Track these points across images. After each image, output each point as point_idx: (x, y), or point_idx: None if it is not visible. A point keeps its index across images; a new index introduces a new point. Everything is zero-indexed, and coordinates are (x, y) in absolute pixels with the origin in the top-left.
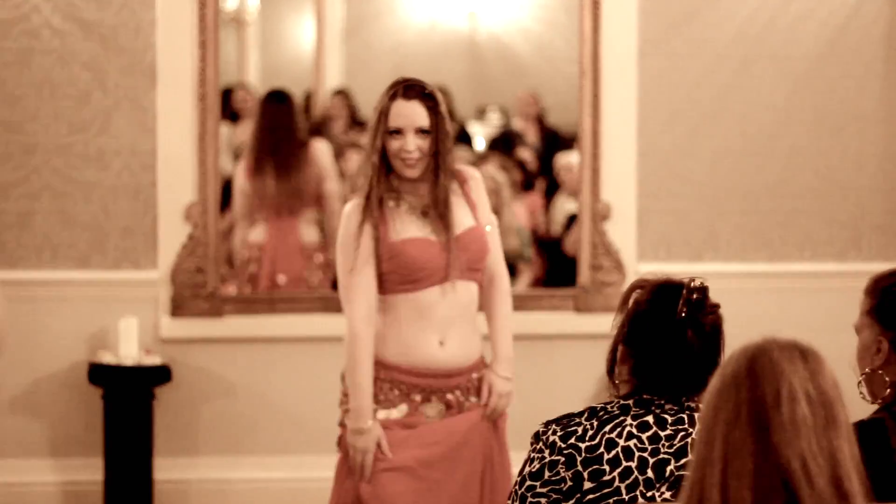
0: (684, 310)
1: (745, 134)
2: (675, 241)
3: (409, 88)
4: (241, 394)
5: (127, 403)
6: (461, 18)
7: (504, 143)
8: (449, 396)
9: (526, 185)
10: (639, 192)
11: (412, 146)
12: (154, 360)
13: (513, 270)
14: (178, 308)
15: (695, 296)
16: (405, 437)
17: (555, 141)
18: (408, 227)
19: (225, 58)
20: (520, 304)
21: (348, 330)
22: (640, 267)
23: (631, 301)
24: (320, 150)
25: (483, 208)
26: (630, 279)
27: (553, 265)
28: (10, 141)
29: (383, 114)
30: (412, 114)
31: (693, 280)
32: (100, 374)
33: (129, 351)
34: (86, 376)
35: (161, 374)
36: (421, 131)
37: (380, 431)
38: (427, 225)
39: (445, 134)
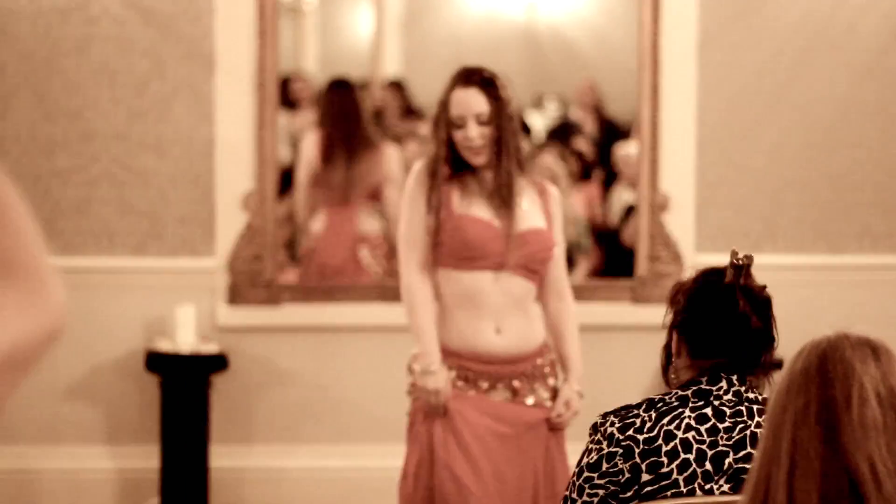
0: (732, 273)
1: (804, 125)
2: (733, 232)
3: (468, 76)
4: (297, 382)
5: (183, 391)
6: (519, 9)
7: (561, 134)
8: (515, 383)
9: (584, 176)
10: (697, 182)
11: (474, 133)
12: (211, 347)
13: (570, 261)
14: (236, 296)
15: (741, 260)
16: (479, 403)
17: (613, 131)
18: (472, 205)
19: (283, 46)
20: (577, 294)
21: (402, 280)
22: (699, 258)
23: (678, 294)
24: (392, 155)
25: (557, 223)
26: (688, 270)
27: (611, 256)
28: (70, 128)
29: (445, 104)
30: (471, 101)
31: (734, 252)
32: (157, 361)
33: (186, 338)
34: (143, 364)
35: (218, 362)
36: (481, 118)
37: (448, 374)
38: (491, 209)
39: (507, 119)
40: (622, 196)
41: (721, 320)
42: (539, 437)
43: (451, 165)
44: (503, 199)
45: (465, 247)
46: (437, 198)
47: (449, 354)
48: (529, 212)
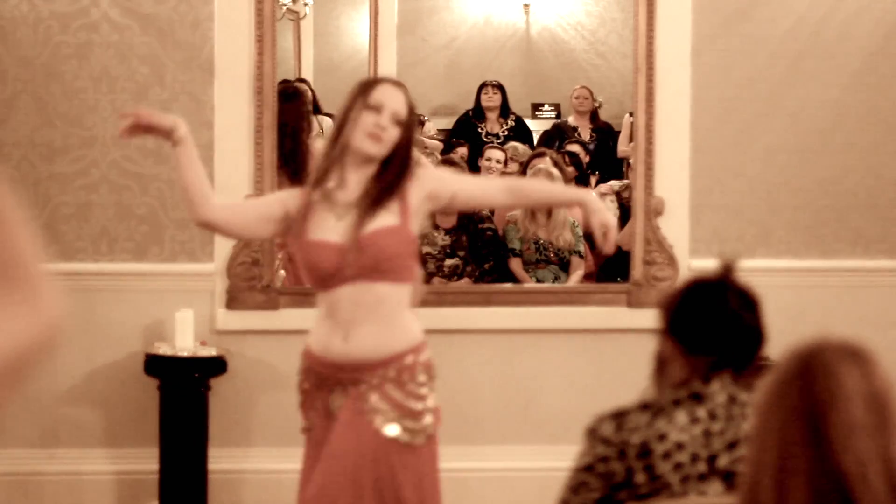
0: (720, 272)
1: (798, 130)
2: (727, 236)
3: (397, 82)
4: (295, 386)
5: (182, 394)
6: (516, 13)
7: (556, 138)
8: (360, 387)
9: (579, 180)
10: (692, 187)
11: (386, 122)
12: (209, 351)
13: (566, 266)
14: (234, 300)
15: (727, 262)
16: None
17: (607, 136)
18: (322, 226)
19: (281, 52)
20: (573, 298)
21: None
22: (693, 262)
23: (668, 301)
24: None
25: (429, 185)
26: (683, 274)
27: (606, 260)
28: (69, 133)
29: (365, 90)
30: (396, 98)
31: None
32: (156, 365)
33: (184, 342)
34: (142, 367)
35: (216, 366)
36: (397, 117)
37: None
38: (342, 223)
39: (411, 135)
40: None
41: (712, 316)
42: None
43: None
44: (360, 211)
45: (317, 272)
46: (298, 223)
47: (308, 355)
48: (381, 211)
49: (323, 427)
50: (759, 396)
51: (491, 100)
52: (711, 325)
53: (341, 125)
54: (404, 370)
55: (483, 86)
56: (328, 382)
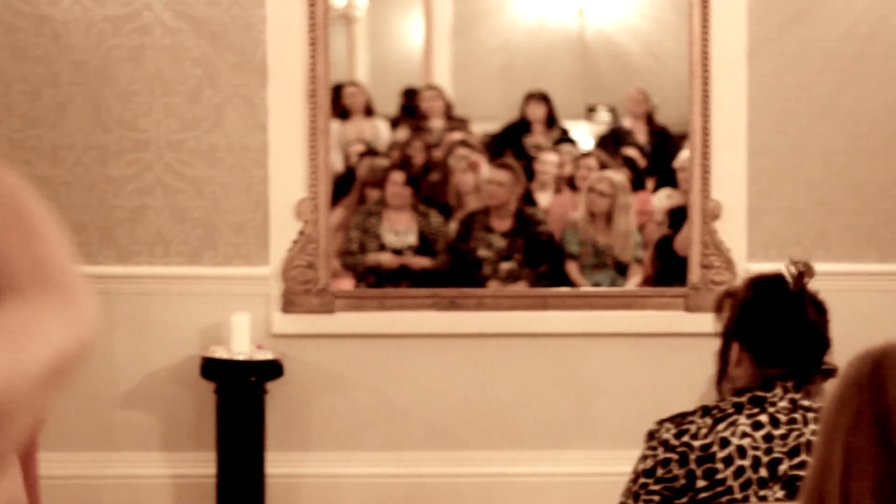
0: (795, 281)
1: (855, 132)
2: (785, 240)
3: None
4: (352, 389)
5: (239, 398)
6: (570, 16)
7: (612, 141)
8: None
9: (636, 184)
10: (749, 190)
11: None
12: (266, 355)
13: (623, 270)
14: (290, 304)
15: (801, 268)
16: None
17: (664, 139)
18: None
19: (334, 55)
20: (631, 302)
21: None
22: (750, 266)
23: (729, 304)
24: None
25: None
26: (741, 278)
27: (663, 264)
28: (123, 137)
29: None
30: None
31: (792, 260)
32: (212, 368)
33: (240, 346)
34: (198, 371)
35: (273, 369)
36: None
37: None
38: None
39: None
40: (662, 200)
41: (789, 329)
42: None
43: None
44: None
45: None
46: None
47: None
48: None
49: None
50: (827, 401)
51: (535, 111)
52: (787, 339)
53: None
54: None
55: (527, 97)
56: None
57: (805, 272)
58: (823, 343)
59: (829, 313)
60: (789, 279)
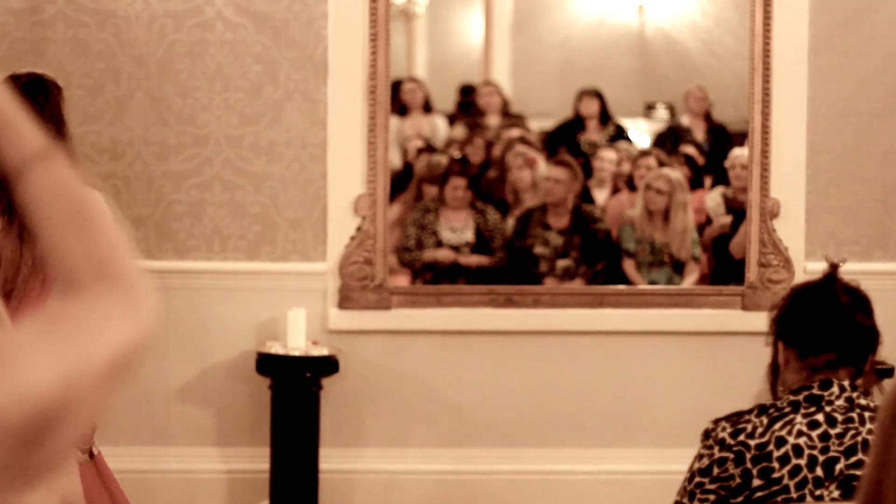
0: (826, 271)
1: None
2: (844, 239)
3: None
4: (407, 386)
5: (294, 394)
6: (630, 13)
7: (670, 139)
8: None
9: (695, 182)
10: (808, 189)
11: None
12: (321, 350)
13: (680, 268)
14: (346, 300)
15: (833, 262)
16: None
17: (723, 137)
18: None
19: (394, 51)
20: (687, 301)
21: None
22: (808, 265)
23: (777, 308)
24: None
25: None
26: (798, 277)
27: (720, 262)
28: (183, 132)
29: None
30: None
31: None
32: (268, 364)
33: (296, 342)
34: (254, 366)
35: (328, 365)
36: None
37: None
38: None
39: None
40: (715, 198)
41: (824, 314)
42: None
43: None
44: None
45: None
46: None
47: None
48: None
49: None
50: (885, 401)
51: (588, 108)
52: (822, 322)
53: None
54: None
55: (581, 94)
56: None
57: (834, 264)
58: (864, 332)
59: (869, 303)
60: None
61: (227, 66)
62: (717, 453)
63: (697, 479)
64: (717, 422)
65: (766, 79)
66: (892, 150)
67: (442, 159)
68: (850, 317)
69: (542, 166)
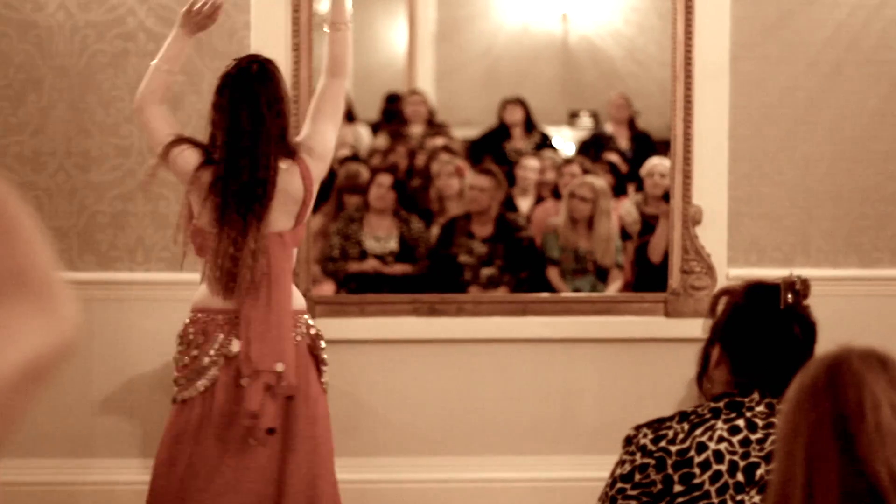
0: (788, 299)
1: (837, 138)
2: (766, 245)
3: None
4: (331, 395)
5: None
6: (554, 21)
7: (594, 147)
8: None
9: (618, 190)
10: (730, 196)
11: None
12: None
13: (604, 276)
14: None
15: (798, 286)
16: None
17: (646, 145)
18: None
19: (317, 60)
20: (611, 308)
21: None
22: (731, 271)
23: (723, 304)
24: None
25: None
26: (721, 284)
27: (642, 269)
28: (105, 143)
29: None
30: None
31: (791, 276)
32: None
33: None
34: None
35: None
36: None
37: None
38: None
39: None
40: (632, 210)
41: (771, 344)
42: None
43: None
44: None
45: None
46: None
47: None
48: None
49: None
50: (786, 406)
51: (512, 116)
52: (766, 353)
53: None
54: None
55: (505, 102)
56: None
57: (801, 290)
58: (801, 359)
59: (815, 332)
60: (782, 295)
61: None
62: (638, 459)
63: (619, 484)
64: (638, 428)
65: (688, 86)
66: (814, 156)
67: (362, 169)
68: (796, 348)
69: (468, 175)
